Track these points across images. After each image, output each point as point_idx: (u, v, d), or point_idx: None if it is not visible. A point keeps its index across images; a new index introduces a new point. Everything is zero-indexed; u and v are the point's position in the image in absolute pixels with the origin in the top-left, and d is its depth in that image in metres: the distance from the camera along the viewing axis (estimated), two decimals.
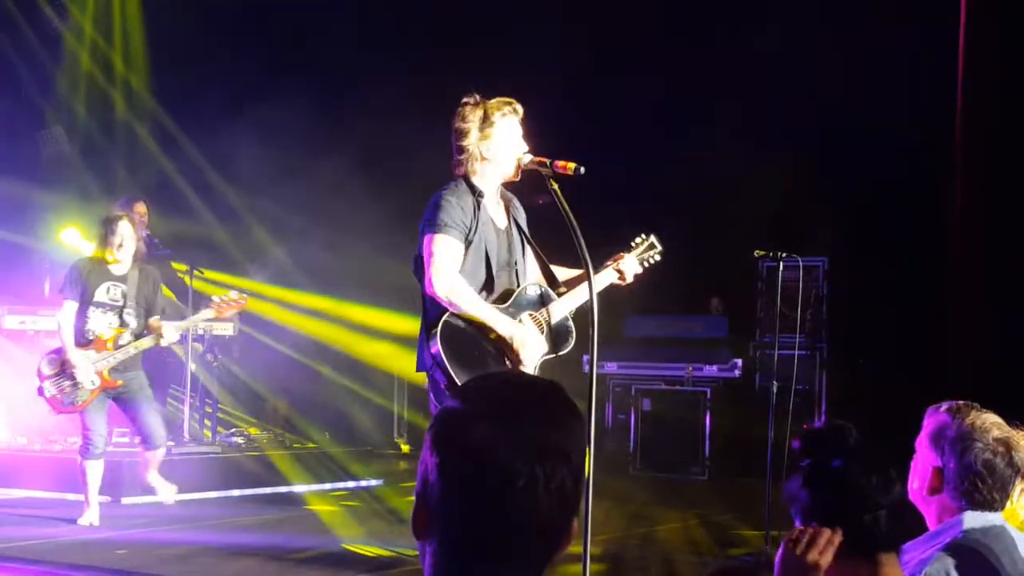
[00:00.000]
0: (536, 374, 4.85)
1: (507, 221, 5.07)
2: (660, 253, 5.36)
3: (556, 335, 4.99)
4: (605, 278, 5.13)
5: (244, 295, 7.96)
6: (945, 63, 10.34)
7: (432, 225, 4.81)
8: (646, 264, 5.32)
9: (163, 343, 7.67)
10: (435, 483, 1.60)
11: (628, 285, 5.28)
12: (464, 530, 1.60)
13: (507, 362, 4.80)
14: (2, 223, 11.17)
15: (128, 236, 7.61)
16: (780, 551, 2.50)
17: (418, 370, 4.95)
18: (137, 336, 7.59)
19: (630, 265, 5.21)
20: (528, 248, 5.13)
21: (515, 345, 4.78)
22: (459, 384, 4.49)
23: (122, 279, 7.63)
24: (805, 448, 2.58)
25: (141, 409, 7.64)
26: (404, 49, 11.95)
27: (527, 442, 1.59)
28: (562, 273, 5.17)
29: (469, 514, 1.59)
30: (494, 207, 5.03)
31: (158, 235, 9.82)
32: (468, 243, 4.85)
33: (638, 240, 5.33)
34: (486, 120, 4.88)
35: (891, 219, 11.11)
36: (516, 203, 5.18)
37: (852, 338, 11.33)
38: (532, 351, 4.83)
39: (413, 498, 1.67)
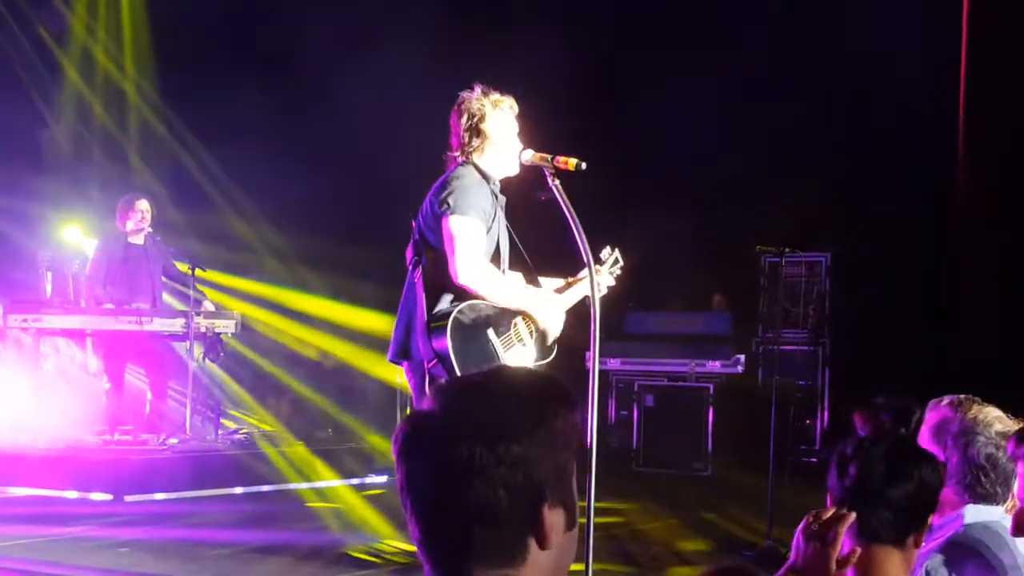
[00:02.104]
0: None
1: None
2: (621, 268, 5.31)
3: (545, 340, 4.97)
4: (580, 291, 5.08)
5: None
6: (949, 58, 10.33)
7: (455, 207, 4.65)
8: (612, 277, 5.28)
9: None
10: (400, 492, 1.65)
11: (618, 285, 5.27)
12: (420, 530, 1.64)
13: (510, 358, 4.76)
14: (4, 222, 11.18)
15: None
16: (800, 527, 2.54)
17: (394, 360, 4.88)
18: None
19: (604, 279, 5.14)
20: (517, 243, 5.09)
21: (543, 323, 4.84)
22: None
23: None
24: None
25: None
26: (412, 50, 11.94)
27: (460, 429, 1.60)
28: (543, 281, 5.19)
29: (419, 514, 1.63)
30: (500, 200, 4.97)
31: (162, 232, 9.85)
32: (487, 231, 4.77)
33: (606, 252, 5.25)
34: (477, 120, 4.84)
35: (894, 215, 11.10)
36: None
37: (854, 334, 11.31)
38: (557, 326, 4.92)
39: None
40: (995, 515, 3.02)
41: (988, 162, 10.28)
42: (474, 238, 4.65)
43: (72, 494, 8.54)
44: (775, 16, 11.56)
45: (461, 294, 4.67)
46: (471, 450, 1.57)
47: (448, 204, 4.66)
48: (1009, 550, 2.93)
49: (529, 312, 4.79)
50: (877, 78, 10.93)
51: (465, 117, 4.86)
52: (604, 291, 5.12)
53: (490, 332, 4.69)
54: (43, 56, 12.30)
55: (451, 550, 1.61)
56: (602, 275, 5.12)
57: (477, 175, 4.81)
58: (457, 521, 1.60)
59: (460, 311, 4.61)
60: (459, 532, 1.60)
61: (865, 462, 2.53)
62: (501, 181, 4.96)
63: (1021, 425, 3.08)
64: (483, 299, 4.67)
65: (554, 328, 4.89)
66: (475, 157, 4.86)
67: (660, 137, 11.74)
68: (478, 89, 4.89)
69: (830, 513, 2.50)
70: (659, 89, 11.54)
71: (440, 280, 4.68)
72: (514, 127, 4.91)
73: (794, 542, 2.53)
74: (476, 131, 4.85)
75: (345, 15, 11.88)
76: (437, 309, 4.65)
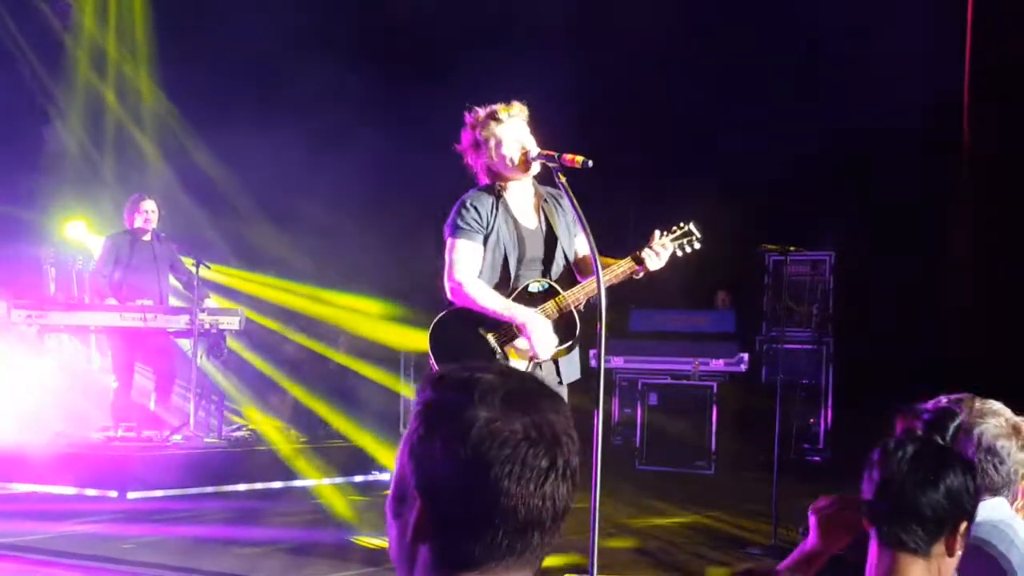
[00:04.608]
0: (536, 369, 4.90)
1: (537, 220, 5.09)
2: (699, 240, 5.16)
3: (559, 329, 4.98)
4: (618, 270, 4.97)
5: None
6: (952, 57, 10.32)
7: (448, 230, 5.01)
8: (679, 254, 5.12)
9: None
10: (453, 480, 1.56)
11: (646, 275, 5.09)
12: (484, 528, 1.56)
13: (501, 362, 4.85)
14: (7, 218, 11.18)
15: None
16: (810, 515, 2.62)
17: None
18: None
19: (655, 245, 5.01)
20: (563, 246, 5.09)
21: (528, 331, 4.83)
22: (450, 376, 4.44)
23: None
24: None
25: None
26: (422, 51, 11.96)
27: (548, 431, 1.58)
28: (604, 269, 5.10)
29: (495, 510, 1.56)
30: (521, 205, 5.06)
31: (164, 229, 9.88)
32: (486, 240, 4.96)
33: (673, 229, 5.13)
34: (475, 138, 5.00)
35: (898, 214, 11.09)
36: (556, 200, 5.13)
37: (858, 333, 11.30)
38: (546, 341, 4.87)
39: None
40: (1004, 513, 3.00)
41: (992, 161, 10.27)
42: (457, 256, 4.95)
43: (75, 490, 8.55)
44: (777, 15, 11.54)
45: (453, 303, 4.98)
46: (548, 461, 1.58)
47: (446, 226, 5.04)
48: (1018, 549, 2.92)
49: (515, 320, 4.85)
50: (882, 77, 10.91)
51: (466, 142, 5.06)
52: (653, 267, 5.00)
53: (482, 330, 4.89)
54: (48, 49, 12.28)
55: (493, 551, 1.58)
56: (648, 252, 4.99)
57: (480, 192, 5.04)
58: (519, 525, 1.58)
59: (444, 316, 4.96)
60: (514, 535, 1.58)
61: (887, 470, 2.44)
62: (536, 177, 5.05)
63: None
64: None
65: (543, 343, 4.86)
66: (483, 175, 5.06)
67: (665, 135, 11.75)
68: (471, 118, 5.03)
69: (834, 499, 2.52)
70: (664, 85, 11.54)
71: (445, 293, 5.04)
72: (511, 134, 4.94)
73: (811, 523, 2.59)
74: (475, 154, 5.03)
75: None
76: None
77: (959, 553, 2.47)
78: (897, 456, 2.43)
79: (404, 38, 12.42)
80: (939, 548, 2.44)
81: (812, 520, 2.60)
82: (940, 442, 2.49)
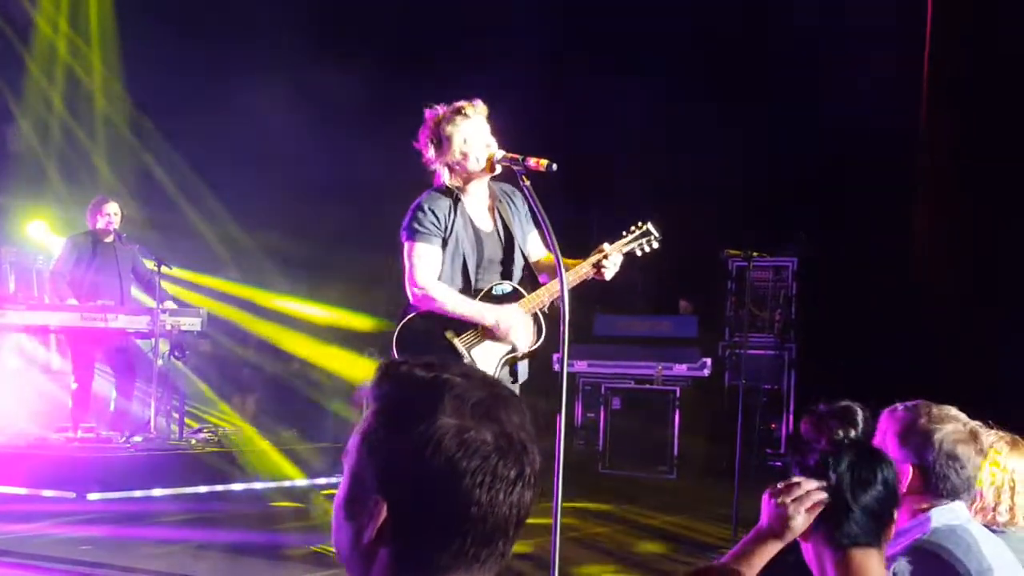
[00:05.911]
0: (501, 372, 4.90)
1: (493, 222, 5.08)
2: (657, 240, 5.17)
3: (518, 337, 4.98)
4: (577, 274, 4.97)
5: None
6: (914, 62, 10.41)
7: (406, 233, 4.97)
8: (638, 253, 5.14)
9: None
10: (423, 487, 1.54)
11: (601, 281, 5.08)
12: (452, 536, 1.55)
13: (478, 355, 4.90)
14: None
15: None
16: (765, 494, 2.62)
17: None
18: None
19: (610, 259, 5.00)
20: (520, 246, 5.09)
21: (502, 329, 4.86)
22: (414, 375, 4.44)
23: None
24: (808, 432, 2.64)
25: None
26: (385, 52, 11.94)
27: (516, 440, 1.58)
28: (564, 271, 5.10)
29: (464, 519, 1.54)
30: (477, 208, 5.05)
31: (126, 230, 9.83)
32: (445, 244, 4.94)
33: (631, 229, 5.15)
34: (438, 134, 4.94)
35: (861, 219, 11.16)
36: (509, 198, 5.13)
37: (821, 338, 11.37)
38: (521, 331, 4.90)
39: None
40: (962, 518, 3.03)
41: (954, 168, 10.36)
42: (421, 260, 4.92)
43: (34, 491, 8.45)
44: (747, 20, 11.60)
45: (418, 308, 4.94)
46: (515, 470, 1.58)
47: (403, 229, 4.99)
48: (975, 555, 2.94)
49: (484, 322, 4.88)
50: (847, 87, 10.98)
51: (424, 141, 5.01)
52: (608, 274, 5.00)
53: (448, 334, 4.89)
54: (10, 46, 12.15)
55: (458, 558, 1.57)
56: (608, 257, 5.00)
57: (440, 193, 4.99)
58: (485, 533, 1.58)
59: (408, 321, 4.93)
60: (480, 542, 1.58)
61: (833, 478, 2.51)
62: (497, 177, 5.04)
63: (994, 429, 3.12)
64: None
65: (520, 334, 4.90)
66: (443, 177, 5.01)
67: (626, 138, 11.78)
68: (431, 113, 4.99)
69: (806, 486, 2.53)
70: (626, 90, 11.57)
71: (406, 297, 4.99)
72: (473, 133, 4.92)
73: (764, 499, 2.62)
74: (437, 152, 4.97)
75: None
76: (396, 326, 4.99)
77: (890, 539, 2.59)
78: (840, 463, 2.51)
79: (377, 39, 12.38)
80: (884, 537, 2.55)
81: (770, 505, 2.62)
82: (862, 440, 2.60)
